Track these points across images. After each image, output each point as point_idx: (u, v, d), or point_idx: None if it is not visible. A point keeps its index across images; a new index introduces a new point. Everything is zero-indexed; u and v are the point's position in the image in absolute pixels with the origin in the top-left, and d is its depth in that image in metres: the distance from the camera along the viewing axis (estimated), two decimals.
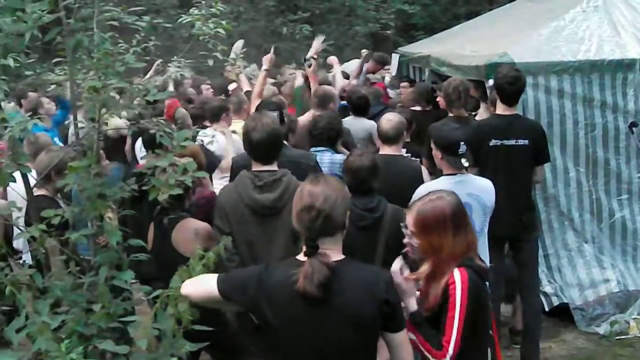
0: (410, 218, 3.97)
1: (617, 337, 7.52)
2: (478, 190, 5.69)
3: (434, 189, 5.25)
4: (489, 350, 4.03)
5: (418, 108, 9.57)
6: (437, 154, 5.84)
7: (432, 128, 6.54)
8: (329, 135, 7.24)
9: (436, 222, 3.87)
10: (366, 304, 3.45)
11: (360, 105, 8.90)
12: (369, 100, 9.07)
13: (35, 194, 5.42)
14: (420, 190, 5.69)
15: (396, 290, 3.65)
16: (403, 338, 3.58)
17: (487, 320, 3.96)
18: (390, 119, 6.65)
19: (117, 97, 4.13)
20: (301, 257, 3.56)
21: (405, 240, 4.04)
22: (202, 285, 3.73)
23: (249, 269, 3.82)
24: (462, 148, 5.68)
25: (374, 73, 12.96)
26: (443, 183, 5.62)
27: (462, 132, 5.92)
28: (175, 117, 8.94)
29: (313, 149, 7.14)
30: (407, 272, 3.85)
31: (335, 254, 3.54)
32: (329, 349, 3.48)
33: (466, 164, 5.73)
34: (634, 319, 7.66)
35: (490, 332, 4.09)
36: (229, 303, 3.71)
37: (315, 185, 3.58)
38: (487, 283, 4.04)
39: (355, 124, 8.60)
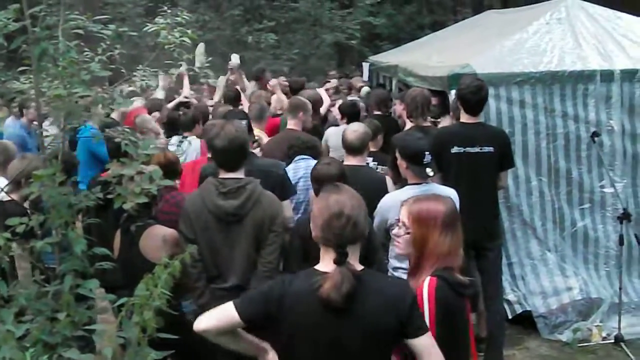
0: (404, 211, 4.00)
1: (580, 345, 7.58)
2: None
3: (398, 198, 5.31)
4: None
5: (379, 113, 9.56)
6: (402, 163, 5.87)
7: (396, 138, 6.57)
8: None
9: (428, 216, 3.91)
10: (387, 315, 3.46)
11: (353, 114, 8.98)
12: (359, 109, 9.17)
13: (4, 199, 5.42)
14: (386, 200, 5.73)
15: (416, 298, 3.64)
16: (426, 342, 3.52)
17: (460, 334, 3.94)
18: (355, 130, 6.69)
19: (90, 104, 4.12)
20: (320, 267, 3.58)
21: (394, 232, 4.07)
22: (218, 315, 3.67)
23: (268, 284, 3.81)
24: (427, 157, 5.72)
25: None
26: (408, 192, 5.60)
27: (426, 141, 5.96)
28: (135, 123, 8.92)
29: (298, 157, 7.08)
30: None
31: (356, 264, 3.57)
32: (344, 357, 3.50)
33: (431, 174, 5.76)
34: (596, 326, 7.73)
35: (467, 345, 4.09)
36: (244, 330, 3.69)
37: (340, 194, 3.63)
38: (464, 296, 4.00)
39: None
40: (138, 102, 10.52)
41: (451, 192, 5.76)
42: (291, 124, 8.13)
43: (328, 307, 3.44)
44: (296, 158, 7.03)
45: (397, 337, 3.53)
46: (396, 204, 5.26)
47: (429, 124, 8.04)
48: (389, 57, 13.39)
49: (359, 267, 3.57)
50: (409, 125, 8.23)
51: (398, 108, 9.66)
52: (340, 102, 10.64)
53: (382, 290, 3.55)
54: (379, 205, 5.78)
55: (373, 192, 5.91)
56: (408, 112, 8.04)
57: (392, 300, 3.51)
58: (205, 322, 3.67)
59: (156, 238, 5.43)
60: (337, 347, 3.50)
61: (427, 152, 5.73)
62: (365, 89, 12.99)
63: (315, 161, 6.88)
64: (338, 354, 3.51)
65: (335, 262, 3.49)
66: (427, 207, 3.96)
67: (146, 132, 8.50)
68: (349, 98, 11.94)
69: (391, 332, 3.49)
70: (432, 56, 10.14)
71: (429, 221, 3.90)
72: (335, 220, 3.52)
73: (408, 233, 3.95)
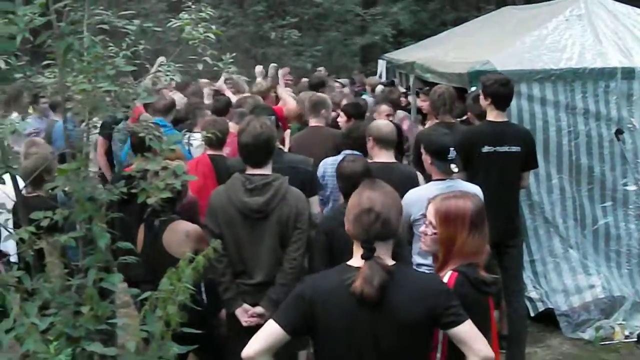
0: (432, 208, 3.99)
1: (602, 343, 7.55)
2: None
3: (422, 195, 5.30)
4: None
5: None
6: (426, 159, 5.86)
7: (421, 134, 6.57)
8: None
9: (456, 215, 3.89)
10: (419, 307, 3.47)
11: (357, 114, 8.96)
12: (364, 110, 9.15)
13: (29, 194, 5.45)
14: (409, 195, 5.71)
15: (450, 291, 3.64)
16: (467, 329, 3.52)
17: (482, 331, 3.90)
18: (387, 123, 6.67)
19: (107, 99, 4.15)
20: (353, 262, 3.60)
21: (421, 229, 4.07)
22: (264, 336, 3.59)
23: (298, 287, 3.83)
24: (452, 153, 5.70)
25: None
26: (432, 188, 5.61)
27: (451, 137, 5.95)
28: (140, 121, 8.91)
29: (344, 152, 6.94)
30: None
31: (388, 259, 3.58)
32: (380, 351, 3.51)
33: (455, 170, 5.75)
34: (618, 324, 7.70)
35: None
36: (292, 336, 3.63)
37: (373, 190, 3.65)
38: (487, 294, 3.99)
39: None
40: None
41: (475, 189, 5.73)
42: (314, 122, 8.11)
43: (362, 301, 3.45)
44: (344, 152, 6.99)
45: (432, 329, 3.55)
46: (419, 199, 5.30)
47: (454, 120, 8.00)
48: (405, 54, 13.38)
49: (390, 263, 3.58)
50: (432, 121, 8.22)
51: (420, 102, 9.64)
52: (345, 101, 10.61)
53: (414, 283, 3.56)
54: (402, 201, 5.75)
55: (405, 188, 5.89)
56: (434, 109, 8.00)
57: (425, 292, 3.51)
58: (254, 347, 3.56)
59: (179, 233, 5.45)
60: (372, 342, 3.51)
61: (452, 148, 5.71)
62: (380, 87, 13.00)
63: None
64: (374, 349, 3.51)
65: (363, 257, 3.51)
66: (456, 205, 3.93)
67: None
68: (365, 97, 11.95)
69: (425, 324, 3.50)
70: (450, 53, 10.13)
71: (457, 220, 3.89)
72: (365, 216, 3.55)
73: (435, 233, 3.94)
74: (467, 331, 3.52)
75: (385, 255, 3.57)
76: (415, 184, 6.33)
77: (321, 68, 15.61)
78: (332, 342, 3.58)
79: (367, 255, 3.50)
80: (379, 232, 3.54)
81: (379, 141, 6.53)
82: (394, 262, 3.60)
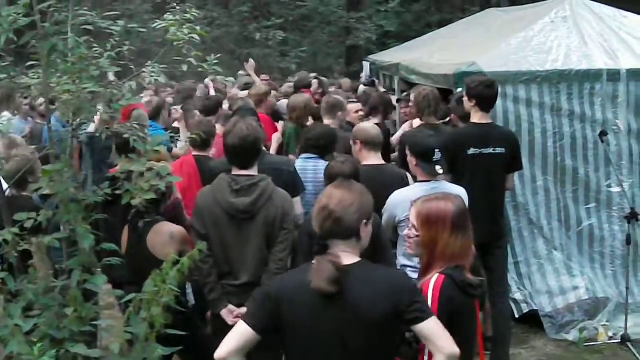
0: (414, 211, 3.99)
1: (586, 344, 7.55)
2: None
3: (407, 196, 5.30)
4: None
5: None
6: (412, 160, 5.87)
7: (406, 135, 6.56)
8: (320, 143, 7.08)
9: (437, 217, 3.88)
10: (382, 303, 3.46)
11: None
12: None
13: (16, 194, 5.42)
14: (393, 197, 5.72)
15: (415, 286, 3.66)
16: (431, 326, 3.50)
17: (466, 334, 3.91)
18: (373, 126, 6.66)
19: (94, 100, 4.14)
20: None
21: (405, 232, 4.06)
22: (234, 337, 3.62)
23: (264, 286, 3.85)
24: (437, 155, 5.71)
25: None
26: (417, 190, 5.63)
27: (437, 139, 5.96)
28: (131, 119, 8.88)
29: (302, 155, 7.01)
30: None
31: (348, 257, 3.58)
32: (345, 349, 3.51)
33: (440, 171, 5.75)
34: (602, 325, 7.71)
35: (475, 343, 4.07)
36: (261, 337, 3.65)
37: (336, 189, 3.69)
38: (473, 297, 3.98)
39: None
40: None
41: (460, 191, 5.74)
42: (328, 123, 8.05)
43: (324, 299, 3.47)
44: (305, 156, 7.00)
45: (398, 326, 3.55)
46: (404, 200, 5.30)
47: (438, 122, 8.01)
48: (390, 56, 13.37)
49: (351, 260, 3.57)
50: (417, 123, 8.22)
51: (403, 110, 9.65)
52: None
53: (375, 280, 3.55)
54: (387, 202, 5.76)
55: (394, 189, 5.89)
56: (418, 110, 7.99)
57: (387, 289, 3.51)
58: (225, 348, 3.60)
59: (164, 235, 5.43)
60: (338, 341, 3.51)
61: (437, 150, 5.72)
62: (362, 88, 13.00)
63: (322, 162, 6.86)
64: (340, 347, 3.52)
65: (314, 252, 3.59)
66: (437, 207, 3.92)
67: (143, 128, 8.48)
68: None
69: (388, 320, 3.49)
70: (435, 54, 10.13)
71: (438, 223, 3.88)
72: (319, 213, 3.62)
73: (418, 236, 3.93)
74: (431, 328, 3.51)
75: (346, 253, 3.58)
76: (406, 185, 6.32)
77: (312, 74, 15.61)
78: (299, 340, 3.60)
79: (318, 251, 3.57)
80: (331, 230, 3.58)
81: (367, 144, 6.53)
82: (356, 260, 3.59)
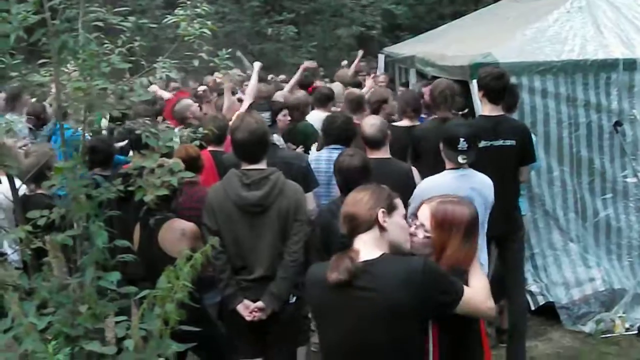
0: (427, 211, 3.95)
1: (603, 336, 7.53)
2: (481, 185, 5.75)
3: (436, 182, 5.44)
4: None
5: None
6: (442, 147, 5.99)
7: (416, 129, 6.55)
8: (345, 135, 7.07)
9: (452, 222, 3.85)
10: (401, 295, 3.45)
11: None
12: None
13: (31, 193, 5.43)
14: (423, 184, 5.82)
15: (439, 271, 3.64)
16: (466, 299, 3.59)
17: (470, 338, 3.88)
18: (373, 123, 6.62)
19: (111, 96, 4.13)
20: None
21: (411, 230, 4.01)
22: None
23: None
24: (462, 144, 5.76)
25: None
26: (446, 177, 5.75)
27: (464, 129, 5.96)
28: (174, 110, 8.84)
29: (327, 147, 6.99)
30: None
31: (371, 251, 3.60)
32: (366, 342, 3.52)
33: (462, 161, 5.78)
34: (619, 317, 7.68)
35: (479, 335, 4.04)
36: None
37: (352, 192, 3.82)
38: None
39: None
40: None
41: (488, 179, 5.85)
42: (355, 119, 8.06)
43: (339, 290, 3.52)
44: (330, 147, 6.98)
45: (420, 317, 3.53)
46: (433, 187, 5.41)
47: (451, 116, 7.96)
48: (405, 48, 13.35)
49: (373, 254, 3.58)
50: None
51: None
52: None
53: (393, 270, 3.54)
54: (415, 190, 5.83)
55: (399, 184, 5.87)
56: (435, 105, 7.91)
57: (408, 279, 3.48)
58: None
59: (175, 232, 5.43)
60: (357, 334, 3.53)
61: (462, 139, 5.77)
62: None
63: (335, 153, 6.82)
64: (359, 340, 3.53)
65: (335, 250, 3.69)
66: (453, 212, 3.88)
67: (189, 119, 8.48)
68: None
69: (409, 309, 3.47)
70: (450, 46, 10.09)
71: (452, 228, 3.84)
72: (341, 219, 3.74)
73: (427, 237, 3.89)
74: (467, 302, 3.59)
75: (367, 248, 3.61)
76: (410, 178, 6.37)
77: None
78: (324, 330, 3.72)
79: (339, 249, 3.66)
80: (350, 228, 3.67)
81: (366, 142, 6.55)
82: (379, 254, 3.59)
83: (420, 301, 3.46)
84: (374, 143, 6.50)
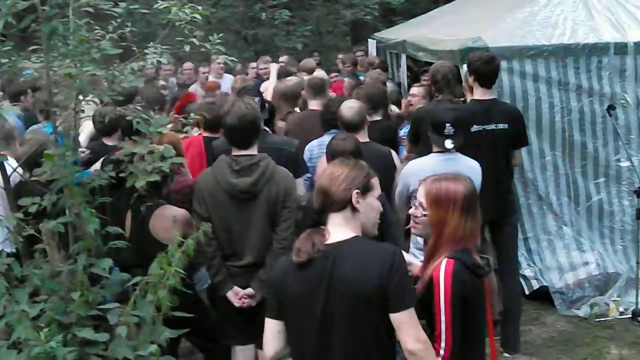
0: (422, 189, 3.92)
1: (597, 319, 7.53)
2: (467, 170, 5.70)
3: (422, 165, 5.45)
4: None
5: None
6: (429, 132, 6.00)
7: (427, 106, 6.59)
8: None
9: (447, 198, 3.82)
10: (369, 279, 3.43)
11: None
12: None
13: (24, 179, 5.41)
14: (409, 166, 5.86)
15: (405, 269, 3.60)
16: (402, 319, 3.45)
17: (477, 317, 3.86)
18: (351, 106, 6.59)
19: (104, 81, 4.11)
20: None
21: (411, 211, 4.00)
22: (268, 335, 3.69)
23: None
24: (448, 129, 5.76)
25: None
26: (432, 160, 5.76)
27: (452, 114, 5.95)
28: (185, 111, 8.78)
29: (326, 133, 6.91)
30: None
31: (342, 232, 3.57)
32: (335, 325, 3.50)
33: (449, 146, 5.77)
34: (613, 301, 7.69)
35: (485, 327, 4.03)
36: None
37: (329, 165, 3.78)
38: (484, 275, 3.93)
39: None
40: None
41: (475, 164, 5.81)
42: (313, 105, 8.07)
43: (307, 272, 3.51)
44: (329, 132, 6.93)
45: (381, 304, 3.46)
46: (418, 169, 5.43)
47: (455, 100, 7.92)
48: (396, 33, 13.26)
49: (344, 235, 3.55)
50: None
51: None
52: None
53: (362, 254, 3.52)
54: (402, 172, 5.86)
55: (379, 167, 5.86)
56: (437, 89, 7.84)
57: (377, 265, 3.46)
58: (268, 349, 3.70)
59: (166, 218, 5.41)
60: (326, 316, 3.50)
61: (449, 124, 5.77)
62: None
63: (326, 138, 6.81)
64: (328, 324, 3.51)
65: (308, 225, 3.65)
66: (447, 188, 3.84)
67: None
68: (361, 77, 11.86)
69: (373, 297, 3.44)
70: (441, 30, 10.05)
71: (448, 203, 3.81)
72: (314, 190, 3.73)
73: (425, 215, 3.87)
74: (401, 321, 3.46)
75: (338, 227, 3.58)
76: (390, 160, 6.45)
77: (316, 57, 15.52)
78: (292, 319, 3.62)
79: (311, 225, 3.63)
80: (322, 203, 3.63)
81: (344, 125, 6.55)
82: (350, 236, 3.56)
83: (385, 287, 3.42)
84: (353, 126, 6.48)
